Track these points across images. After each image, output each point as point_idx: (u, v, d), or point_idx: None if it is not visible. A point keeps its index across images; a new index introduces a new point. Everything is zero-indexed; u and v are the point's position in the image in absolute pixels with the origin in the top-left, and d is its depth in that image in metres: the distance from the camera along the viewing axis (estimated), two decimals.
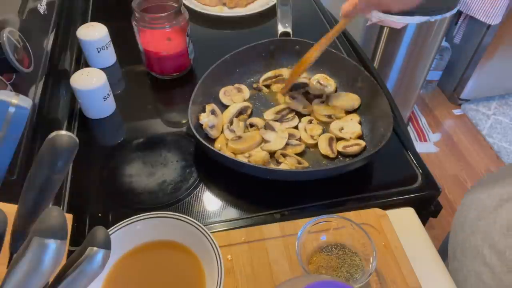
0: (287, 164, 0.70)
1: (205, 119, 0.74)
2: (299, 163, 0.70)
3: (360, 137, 0.75)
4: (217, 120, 0.76)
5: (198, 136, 0.68)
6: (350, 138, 0.73)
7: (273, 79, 0.85)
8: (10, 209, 0.35)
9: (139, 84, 0.90)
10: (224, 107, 0.80)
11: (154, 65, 0.88)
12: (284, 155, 0.71)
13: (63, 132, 0.33)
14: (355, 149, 0.71)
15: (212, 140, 0.75)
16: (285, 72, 0.86)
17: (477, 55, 2.02)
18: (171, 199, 0.67)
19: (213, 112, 0.76)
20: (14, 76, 0.61)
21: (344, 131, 0.75)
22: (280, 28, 0.92)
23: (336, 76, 0.84)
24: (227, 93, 0.82)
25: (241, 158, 0.70)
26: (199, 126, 0.74)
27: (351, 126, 0.75)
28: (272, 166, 0.71)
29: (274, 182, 0.67)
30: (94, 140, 0.80)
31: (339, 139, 0.74)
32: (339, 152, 0.72)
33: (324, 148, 0.72)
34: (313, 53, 0.77)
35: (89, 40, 0.87)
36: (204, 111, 0.76)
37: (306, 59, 0.78)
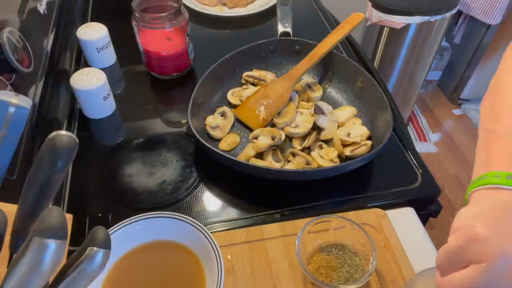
0: (295, 164, 0.69)
1: (210, 119, 0.75)
2: (307, 163, 0.69)
3: (368, 137, 0.73)
4: (225, 122, 0.76)
5: (198, 136, 0.67)
6: (361, 140, 0.72)
7: (255, 80, 0.84)
8: (10, 209, 0.35)
9: (139, 84, 0.90)
10: (233, 107, 0.81)
11: (154, 65, 0.88)
12: (294, 154, 0.71)
13: (63, 132, 0.33)
14: (363, 149, 0.70)
15: (213, 140, 0.75)
16: (270, 77, 0.85)
17: (477, 55, 2.02)
18: (171, 199, 0.67)
19: (222, 114, 0.77)
20: (14, 76, 0.61)
21: (352, 135, 0.73)
22: (280, 28, 0.92)
23: (336, 76, 0.84)
24: (235, 94, 0.82)
25: (243, 158, 0.71)
26: (200, 126, 0.74)
27: (357, 129, 0.74)
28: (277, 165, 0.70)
29: (274, 182, 0.67)
30: (94, 140, 0.80)
31: (347, 144, 0.72)
32: (347, 157, 0.71)
33: (338, 146, 0.72)
34: (325, 48, 0.80)
35: (89, 40, 0.87)
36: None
37: (316, 54, 0.80)
